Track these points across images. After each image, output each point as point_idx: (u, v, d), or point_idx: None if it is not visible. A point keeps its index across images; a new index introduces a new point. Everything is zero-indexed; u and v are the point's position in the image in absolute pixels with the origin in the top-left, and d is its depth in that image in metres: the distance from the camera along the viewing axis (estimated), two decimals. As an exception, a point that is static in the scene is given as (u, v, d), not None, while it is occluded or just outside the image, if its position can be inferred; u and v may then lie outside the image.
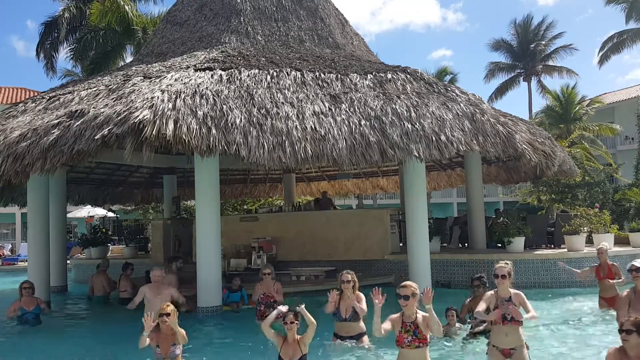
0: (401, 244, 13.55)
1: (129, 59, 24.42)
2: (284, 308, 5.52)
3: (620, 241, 12.96)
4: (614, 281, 8.24)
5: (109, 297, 11.75)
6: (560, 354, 6.32)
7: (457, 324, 7.10)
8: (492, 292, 5.44)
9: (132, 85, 9.87)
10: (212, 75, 10.23)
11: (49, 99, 10.90)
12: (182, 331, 5.49)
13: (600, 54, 33.12)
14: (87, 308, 11.63)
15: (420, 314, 4.86)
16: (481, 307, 5.33)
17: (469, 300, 7.41)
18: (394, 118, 9.62)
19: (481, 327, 6.52)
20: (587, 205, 16.51)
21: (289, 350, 5.23)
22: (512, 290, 5.33)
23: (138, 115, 8.15)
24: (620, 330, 4.14)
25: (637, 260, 5.24)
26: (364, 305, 6.32)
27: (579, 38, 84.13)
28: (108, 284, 11.84)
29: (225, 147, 8.47)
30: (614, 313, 8.06)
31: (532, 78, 36.11)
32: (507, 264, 5.40)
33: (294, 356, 5.20)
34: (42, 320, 9.08)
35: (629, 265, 5.30)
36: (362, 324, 6.44)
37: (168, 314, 5.41)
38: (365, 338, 6.41)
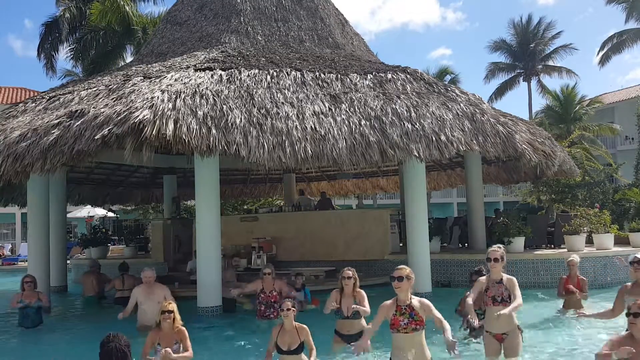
0: (401, 244, 13.55)
1: (129, 59, 24.42)
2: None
3: (620, 241, 12.95)
4: (582, 294, 8.14)
5: (100, 296, 11.70)
6: (556, 353, 6.33)
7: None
8: (484, 277, 5.50)
9: (132, 85, 9.87)
10: (212, 75, 10.24)
11: (49, 99, 10.91)
12: (188, 354, 5.41)
13: (600, 54, 33.13)
14: (82, 308, 11.63)
15: (415, 299, 4.67)
16: (472, 294, 5.37)
17: (468, 293, 7.36)
18: (394, 118, 9.62)
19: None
20: (587, 205, 16.52)
21: (286, 337, 5.19)
22: (505, 275, 5.35)
23: (138, 115, 8.16)
24: (628, 314, 4.16)
25: None
26: (366, 306, 6.19)
27: (579, 37, 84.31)
28: (98, 283, 11.77)
29: (225, 147, 8.48)
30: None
31: (532, 78, 36.09)
32: (499, 247, 5.45)
33: (292, 344, 5.16)
34: (43, 319, 9.04)
35: (632, 257, 5.31)
36: (363, 322, 6.33)
37: (170, 312, 5.37)
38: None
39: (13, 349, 7.88)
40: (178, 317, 5.47)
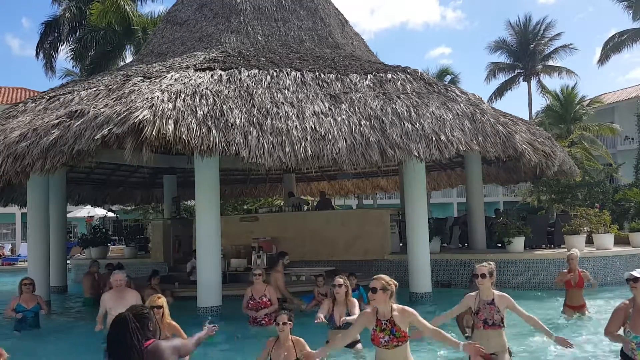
0: (401, 244, 13.55)
1: (129, 59, 24.43)
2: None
3: (620, 241, 12.96)
4: (592, 281, 8.15)
5: (98, 297, 11.59)
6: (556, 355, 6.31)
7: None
8: (473, 293, 5.08)
9: (132, 85, 9.88)
10: (212, 75, 10.24)
11: (49, 99, 10.91)
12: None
13: (600, 54, 33.13)
14: (79, 309, 11.58)
15: (397, 309, 4.29)
16: (467, 319, 5.05)
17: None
18: (394, 118, 9.62)
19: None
20: (587, 205, 16.52)
21: (281, 352, 4.95)
22: (497, 292, 4.99)
23: (138, 115, 8.15)
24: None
25: (637, 270, 4.83)
26: (355, 312, 6.03)
27: (579, 36, 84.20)
28: (91, 286, 11.68)
29: (225, 147, 8.48)
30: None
31: (532, 78, 36.08)
32: (489, 263, 5.09)
33: (288, 358, 4.93)
34: (40, 321, 9.04)
35: (627, 274, 4.87)
36: None
37: (160, 307, 5.36)
38: (359, 346, 6.18)
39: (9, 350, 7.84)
40: (167, 312, 5.44)
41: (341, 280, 6.20)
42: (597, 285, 8.16)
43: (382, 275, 4.42)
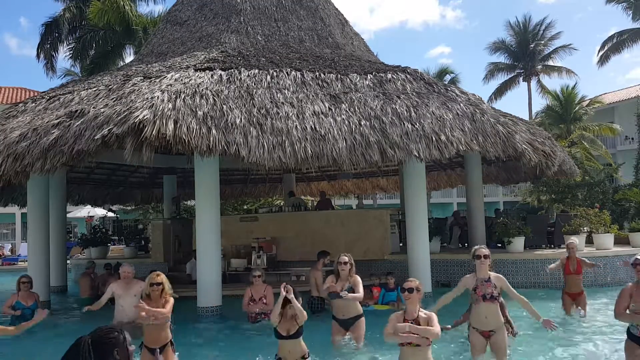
0: (401, 244, 13.55)
1: (129, 59, 24.42)
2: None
3: (620, 241, 12.96)
4: (590, 263, 8.52)
5: (95, 297, 11.55)
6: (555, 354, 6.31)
7: None
8: (470, 275, 5.49)
9: (132, 85, 9.88)
10: (212, 75, 10.24)
11: (49, 99, 10.91)
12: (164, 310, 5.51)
13: (600, 54, 33.13)
14: (78, 310, 11.55)
15: (423, 313, 4.75)
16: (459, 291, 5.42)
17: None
18: (394, 118, 9.62)
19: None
20: (587, 205, 16.52)
21: (286, 325, 5.27)
22: (493, 274, 5.39)
23: (138, 115, 8.16)
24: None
25: None
26: (360, 291, 6.30)
27: (578, 36, 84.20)
28: (88, 286, 11.66)
29: (225, 147, 8.48)
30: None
31: (532, 78, 36.07)
32: (485, 247, 5.54)
33: (291, 330, 5.25)
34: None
35: (633, 259, 5.20)
36: (359, 305, 6.48)
37: (159, 283, 5.54)
38: (362, 321, 6.43)
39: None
40: (167, 287, 5.61)
41: (346, 258, 6.49)
42: (598, 265, 8.65)
43: (413, 279, 5.01)
